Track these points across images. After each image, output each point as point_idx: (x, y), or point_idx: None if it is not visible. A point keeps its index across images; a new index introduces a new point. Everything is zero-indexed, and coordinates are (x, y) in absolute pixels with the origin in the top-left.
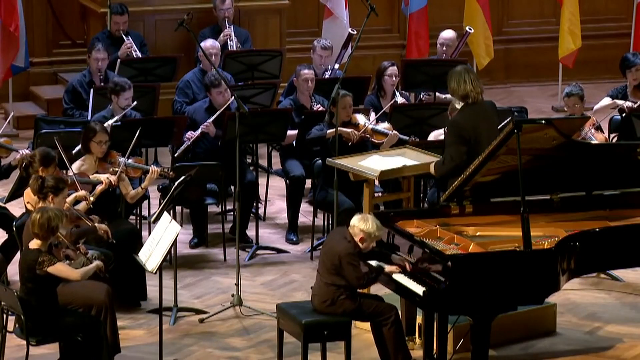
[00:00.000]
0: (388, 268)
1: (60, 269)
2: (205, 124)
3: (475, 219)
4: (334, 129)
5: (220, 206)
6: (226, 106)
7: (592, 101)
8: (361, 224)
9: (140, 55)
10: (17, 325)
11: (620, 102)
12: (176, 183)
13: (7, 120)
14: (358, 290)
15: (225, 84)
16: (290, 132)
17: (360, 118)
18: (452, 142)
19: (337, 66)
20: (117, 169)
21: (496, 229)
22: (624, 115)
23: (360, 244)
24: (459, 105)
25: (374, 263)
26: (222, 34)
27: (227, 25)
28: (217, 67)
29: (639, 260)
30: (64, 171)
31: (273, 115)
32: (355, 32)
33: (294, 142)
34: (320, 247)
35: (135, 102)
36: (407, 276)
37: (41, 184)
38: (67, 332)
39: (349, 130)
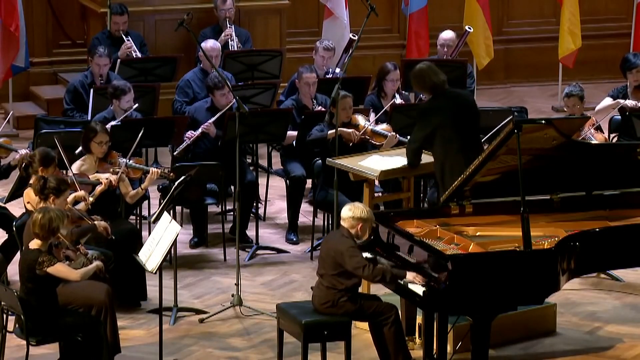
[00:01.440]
0: (410, 276)
1: (60, 269)
2: (206, 124)
3: (475, 219)
4: (335, 130)
5: (220, 206)
6: (228, 107)
7: (592, 101)
8: (356, 213)
9: (140, 56)
10: (17, 325)
11: (623, 101)
12: (176, 183)
13: (6, 120)
14: (359, 290)
15: (227, 86)
16: (290, 133)
17: (360, 119)
18: (415, 128)
19: (338, 70)
20: (117, 169)
21: (496, 229)
22: (627, 113)
23: (360, 233)
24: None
25: (384, 261)
26: (223, 34)
27: (229, 26)
28: (218, 67)
29: (639, 260)
30: (64, 171)
31: (273, 115)
32: (356, 37)
33: (294, 143)
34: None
35: (137, 104)
36: None
37: (43, 185)
38: (67, 332)
39: (349, 130)
